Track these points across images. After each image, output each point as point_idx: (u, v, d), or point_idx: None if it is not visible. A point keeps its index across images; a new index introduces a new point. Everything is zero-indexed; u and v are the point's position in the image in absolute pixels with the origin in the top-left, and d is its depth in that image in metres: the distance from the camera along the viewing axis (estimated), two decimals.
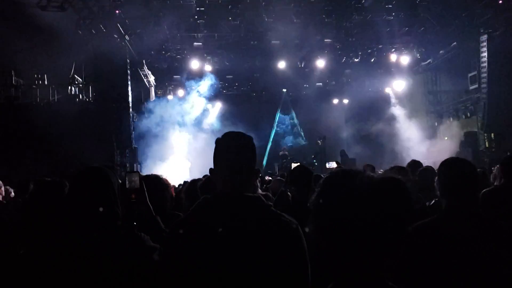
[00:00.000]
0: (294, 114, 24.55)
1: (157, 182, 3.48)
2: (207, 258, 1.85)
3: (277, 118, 24.35)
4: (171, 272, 1.92)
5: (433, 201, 4.90)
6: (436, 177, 2.84)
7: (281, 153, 21.04)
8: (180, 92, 21.16)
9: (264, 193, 6.15)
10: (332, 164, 18.46)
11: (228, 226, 1.88)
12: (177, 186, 10.96)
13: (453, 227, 2.44)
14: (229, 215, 1.92)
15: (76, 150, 12.55)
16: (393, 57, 19.93)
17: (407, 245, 2.40)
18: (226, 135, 2.14)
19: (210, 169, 2.10)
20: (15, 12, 13.76)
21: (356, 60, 19.83)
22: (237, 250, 1.84)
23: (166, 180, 3.63)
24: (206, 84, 21.37)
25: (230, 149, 2.07)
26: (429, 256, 2.38)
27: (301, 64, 19.73)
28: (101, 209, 2.18)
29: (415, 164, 6.61)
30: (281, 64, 19.34)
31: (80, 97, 16.09)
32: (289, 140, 23.89)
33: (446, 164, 2.80)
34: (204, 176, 5.67)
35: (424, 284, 2.36)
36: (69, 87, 16.02)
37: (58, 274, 2.06)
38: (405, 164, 6.82)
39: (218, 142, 2.11)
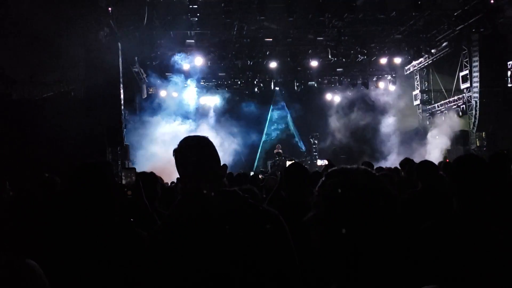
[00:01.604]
0: (288, 113, 24.58)
1: (150, 179, 3.49)
2: (189, 256, 1.85)
3: (270, 117, 24.36)
4: (156, 275, 1.91)
5: None
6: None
7: (275, 151, 21.06)
8: (172, 90, 21.10)
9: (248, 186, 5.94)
10: (324, 162, 18.55)
11: (209, 221, 1.88)
12: (169, 184, 10.95)
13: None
14: (207, 210, 1.92)
15: (67, 147, 12.47)
16: (385, 55, 20.01)
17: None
18: (182, 142, 2.10)
19: (177, 179, 2.09)
20: (6, 8, 13.63)
21: (348, 58, 19.88)
22: (220, 245, 1.84)
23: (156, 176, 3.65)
24: (198, 82, 21.35)
25: (190, 153, 2.05)
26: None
27: (293, 62, 19.75)
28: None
29: (408, 162, 6.67)
30: (274, 62, 19.35)
31: (72, 94, 15.98)
32: (282, 137, 23.94)
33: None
34: None
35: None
36: (61, 84, 15.91)
37: (55, 270, 2.05)
38: (397, 163, 6.88)
39: (176, 151, 2.08)
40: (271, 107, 24.31)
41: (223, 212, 1.91)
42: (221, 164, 2.11)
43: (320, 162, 20.26)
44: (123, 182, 2.62)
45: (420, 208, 4.06)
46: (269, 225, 1.92)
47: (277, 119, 24.63)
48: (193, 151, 2.05)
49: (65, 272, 2.05)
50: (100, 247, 2.11)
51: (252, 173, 12.99)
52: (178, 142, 2.09)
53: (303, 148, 23.01)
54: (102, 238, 2.14)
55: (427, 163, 4.74)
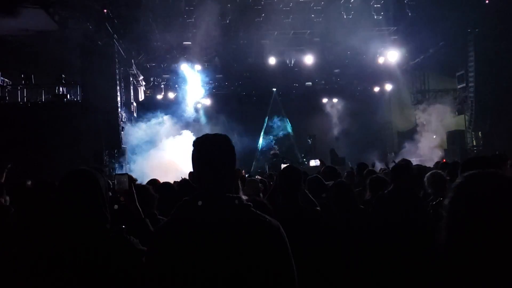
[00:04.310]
0: (285, 114, 24.54)
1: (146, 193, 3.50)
2: (190, 260, 1.84)
3: (267, 118, 24.34)
4: (155, 278, 1.90)
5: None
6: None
7: (271, 152, 21.04)
8: (169, 92, 21.09)
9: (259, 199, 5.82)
10: (317, 162, 18.54)
11: (210, 228, 1.87)
12: None
13: None
14: (210, 216, 1.90)
15: (64, 150, 12.46)
16: (381, 56, 20.00)
17: None
18: (204, 137, 2.08)
19: (190, 173, 2.07)
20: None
21: (345, 58, 19.88)
22: (220, 252, 1.83)
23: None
24: (195, 84, 21.32)
25: (208, 151, 2.03)
26: None
27: (290, 63, 19.74)
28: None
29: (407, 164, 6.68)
30: (271, 61, 19.33)
31: (68, 97, 15.95)
32: (280, 138, 23.89)
33: None
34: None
35: None
36: (57, 87, 15.88)
37: (46, 278, 2.04)
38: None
39: (195, 144, 2.06)
40: (269, 108, 24.26)
41: (223, 220, 1.89)
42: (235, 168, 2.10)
43: (312, 163, 20.17)
44: (116, 188, 2.60)
45: (387, 206, 4.41)
46: (271, 237, 1.90)
47: (274, 120, 24.58)
48: (211, 152, 2.03)
49: (56, 279, 2.04)
50: (90, 254, 2.10)
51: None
52: (198, 137, 2.08)
53: (300, 159, 22.87)
54: (92, 245, 2.13)
55: (401, 165, 4.96)
